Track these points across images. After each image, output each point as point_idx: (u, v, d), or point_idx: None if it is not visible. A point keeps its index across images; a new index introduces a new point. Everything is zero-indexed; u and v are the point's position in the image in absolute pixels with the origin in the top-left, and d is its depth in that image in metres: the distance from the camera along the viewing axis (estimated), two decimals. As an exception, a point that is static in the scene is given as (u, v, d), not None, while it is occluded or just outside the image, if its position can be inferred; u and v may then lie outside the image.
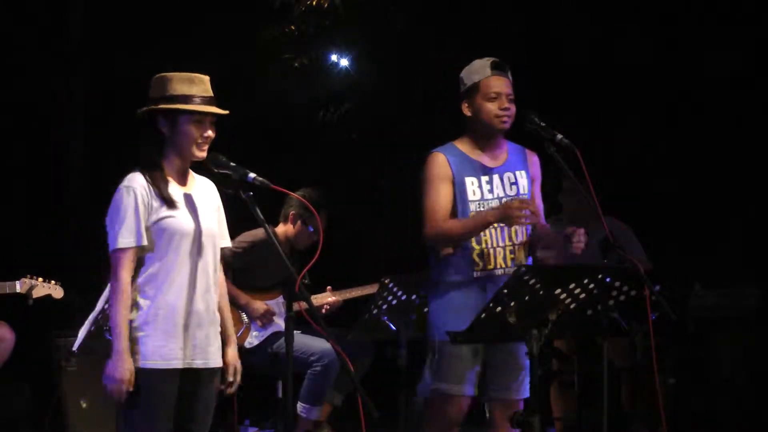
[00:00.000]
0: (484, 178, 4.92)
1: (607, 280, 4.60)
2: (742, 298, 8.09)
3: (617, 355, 7.16)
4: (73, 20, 9.71)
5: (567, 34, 9.02)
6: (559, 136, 4.75)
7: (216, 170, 4.31)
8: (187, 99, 4.27)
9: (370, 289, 6.85)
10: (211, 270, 4.36)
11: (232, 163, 4.28)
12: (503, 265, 4.88)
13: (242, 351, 6.83)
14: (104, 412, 6.64)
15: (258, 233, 6.87)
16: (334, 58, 9.84)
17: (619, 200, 7.08)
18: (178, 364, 4.24)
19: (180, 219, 4.27)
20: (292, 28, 9.52)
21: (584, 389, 7.08)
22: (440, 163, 4.92)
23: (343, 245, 7.55)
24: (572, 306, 4.47)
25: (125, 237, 4.19)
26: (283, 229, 7.13)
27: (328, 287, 7.02)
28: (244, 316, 6.94)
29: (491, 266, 4.87)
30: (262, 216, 4.22)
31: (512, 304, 4.32)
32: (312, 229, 7.06)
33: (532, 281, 4.32)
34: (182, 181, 4.37)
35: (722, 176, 8.82)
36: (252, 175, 4.23)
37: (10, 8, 9.07)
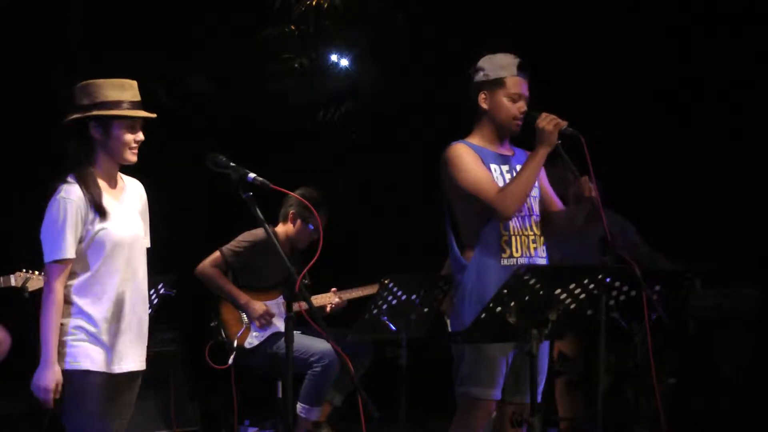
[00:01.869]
0: (504, 167, 4.93)
1: (607, 280, 4.60)
2: (742, 298, 8.08)
3: (617, 355, 7.15)
4: (73, 19, 9.71)
5: (568, 32, 9.01)
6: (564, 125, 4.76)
7: (216, 170, 4.31)
8: (118, 105, 4.34)
9: (371, 290, 6.85)
10: (141, 274, 4.45)
11: (232, 164, 4.29)
12: (528, 254, 4.89)
13: (243, 351, 6.84)
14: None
15: (258, 233, 6.87)
16: (334, 58, 9.83)
17: (619, 198, 7.07)
18: (104, 368, 4.31)
19: (113, 230, 4.34)
20: (293, 28, 9.52)
21: (589, 390, 7.08)
22: (467, 149, 4.91)
23: (344, 245, 7.54)
24: (572, 306, 4.47)
25: (61, 249, 4.27)
26: (283, 228, 7.13)
27: (333, 288, 7.01)
28: (244, 317, 6.94)
29: (518, 254, 4.87)
30: (262, 216, 4.22)
31: (512, 304, 4.31)
32: (312, 228, 7.05)
33: (532, 281, 4.32)
34: (113, 186, 4.44)
35: (723, 175, 8.82)
36: (252, 175, 4.24)
37: (9, 7, 9.06)
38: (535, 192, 4.97)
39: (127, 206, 4.45)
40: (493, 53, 4.98)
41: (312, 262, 4.41)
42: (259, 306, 6.84)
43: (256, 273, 6.95)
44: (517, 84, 4.90)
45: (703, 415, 7.90)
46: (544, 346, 4.95)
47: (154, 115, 4.42)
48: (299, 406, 6.83)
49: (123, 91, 4.37)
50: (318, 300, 7.11)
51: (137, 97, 4.41)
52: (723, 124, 8.77)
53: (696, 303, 7.92)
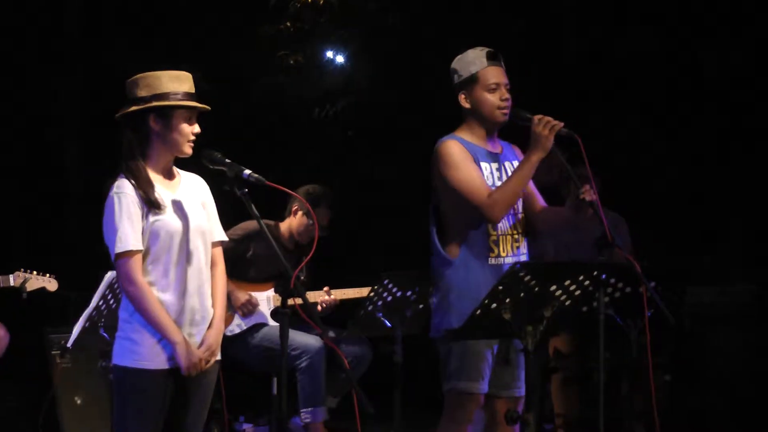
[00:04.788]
0: (494, 165, 4.91)
1: (603, 276, 4.60)
2: (737, 295, 8.09)
3: (613, 352, 7.16)
4: (68, 20, 9.71)
5: (567, 31, 9.02)
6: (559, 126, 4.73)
7: (211, 167, 4.32)
8: (177, 96, 4.32)
9: (367, 291, 6.84)
10: (204, 266, 4.39)
11: (228, 160, 4.30)
12: (511, 252, 4.88)
13: (224, 339, 6.83)
14: (99, 409, 6.64)
15: (253, 224, 6.87)
16: (329, 54, 9.84)
17: (616, 196, 7.08)
18: (172, 364, 4.26)
19: (168, 219, 4.30)
20: (288, 25, 9.52)
21: (584, 386, 7.09)
22: (459, 146, 4.87)
23: (340, 241, 7.54)
24: (567, 303, 4.47)
25: (122, 242, 4.22)
26: (287, 223, 7.12)
27: (325, 287, 7.01)
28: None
29: (505, 254, 4.87)
30: (257, 212, 4.22)
31: (507, 300, 4.31)
32: (312, 222, 7.05)
33: (527, 278, 4.31)
34: (168, 178, 4.40)
35: (719, 174, 8.83)
36: (247, 171, 4.24)
37: (6, 8, 9.06)
38: None
39: (185, 198, 4.39)
40: (462, 52, 4.98)
41: (307, 258, 4.41)
42: (242, 295, 6.83)
43: (250, 263, 6.94)
44: (490, 74, 4.88)
45: (698, 412, 7.91)
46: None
47: (209, 108, 4.40)
48: (302, 414, 6.79)
49: (180, 82, 4.35)
50: (309, 297, 7.08)
51: (193, 89, 4.39)
52: (722, 122, 8.79)
53: (691, 300, 7.93)
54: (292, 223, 7.08)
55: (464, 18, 9.16)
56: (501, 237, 4.85)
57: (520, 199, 4.93)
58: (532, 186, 5.00)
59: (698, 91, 8.80)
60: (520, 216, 4.93)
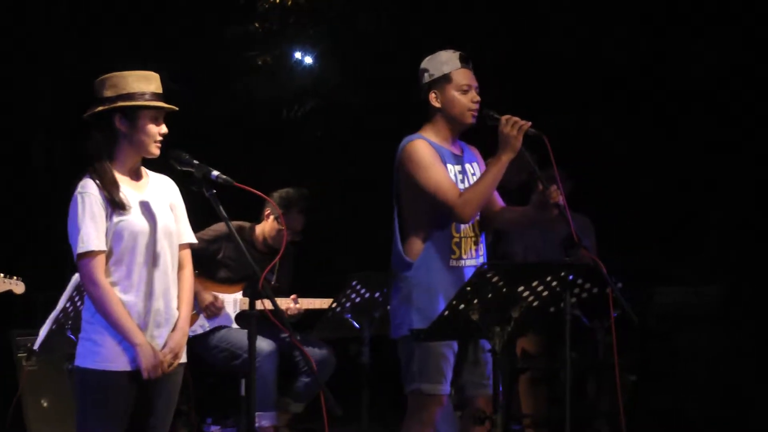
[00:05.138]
0: (457, 167, 4.93)
1: (570, 278, 4.62)
2: (704, 295, 8.14)
3: (580, 352, 7.19)
4: (36, 19, 9.66)
5: (541, 30, 9.03)
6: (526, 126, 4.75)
7: (179, 168, 4.30)
8: (144, 96, 4.31)
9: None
10: (170, 268, 4.38)
11: (195, 161, 4.28)
12: (472, 255, 4.90)
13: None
14: (64, 412, 6.61)
15: (223, 227, 6.86)
16: (298, 55, 9.83)
17: (584, 196, 7.11)
18: (135, 365, 4.24)
19: (133, 220, 4.28)
20: (256, 25, 9.51)
21: (552, 386, 7.11)
22: (428, 147, 4.87)
23: (307, 243, 7.52)
24: (535, 303, 4.49)
25: (85, 242, 4.20)
26: (261, 227, 7.11)
27: (293, 295, 6.99)
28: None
29: (466, 255, 4.88)
30: (225, 213, 4.21)
31: (475, 301, 4.32)
32: (286, 226, 7.04)
33: (495, 278, 4.33)
34: (135, 179, 4.39)
35: (687, 173, 8.87)
36: (215, 172, 4.23)
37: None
38: None
39: (152, 199, 4.37)
40: (432, 53, 5.00)
41: (274, 261, 4.40)
42: (208, 296, 6.82)
43: (220, 265, 6.93)
44: (463, 75, 4.91)
45: (664, 412, 7.95)
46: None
47: (177, 108, 4.39)
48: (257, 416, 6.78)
49: (148, 82, 4.33)
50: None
51: (160, 89, 4.37)
52: (693, 124, 8.83)
53: (658, 300, 7.97)
54: (265, 227, 7.08)
55: (432, 18, 9.18)
56: (463, 239, 4.87)
57: None
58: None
59: (669, 90, 8.84)
60: (477, 217, 4.94)
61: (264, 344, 6.69)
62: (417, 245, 4.87)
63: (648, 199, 8.92)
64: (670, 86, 8.82)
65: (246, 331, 6.51)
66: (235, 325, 6.87)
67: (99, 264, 4.21)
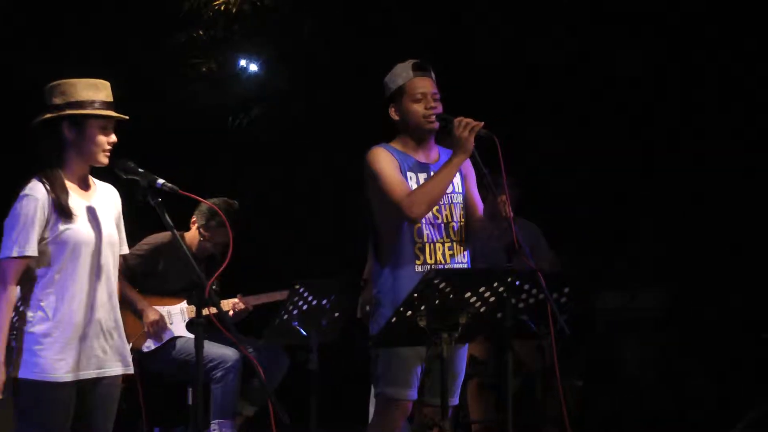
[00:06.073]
0: (422, 175, 4.93)
1: (517, 283, 4.64)
2: (648, 299, 8.21)
3: (528, 357, 7.22)
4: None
5: (478, 35, 9.06)
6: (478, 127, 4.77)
7: (124, 176, 4.28)
8: (92, 105, 4.28)
9: (280, 296, 6.82)
10: (113, 278, 4.37)
11: (141, 169, 4.26)
12: (443, 261, 4.90)
13: (140, 354, 6.78)
14: (3, 423, 6.53)
15: (160, 236, 6.84)
16: (242, 63, 9.80)
17: (528, 200, 7.14)
18: (74, 376, 4.23)
19: (80, 229, 4.26)
20: (201, 33, 9.46)
21: (500, 392, 7.13)
22: (386, 153, 4.92)
23: (252, 251, 7.51)
24: (482, 309, 4.50)
25: (19, 246, 4.18)
26: (189, 236, 7.09)
27: (239, 294, 6.98)
28: None
29: (432, 261, 4.88)
30: (171, 222, 4.20)
31: (422, 308, 4.33)
32: (205, 238, 7.01)
33: (442, 285, 4.34)
34: (83, 187, 4.37)
35: (629, 177, 8.94)
36: (161, 181, 4.21)
37: None
38: (457, 198, 5.00)
39: (99, 208, 4.35)
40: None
41: (221, 269, 4.39)
42: (152, 314, 6.79)
43: (160, 277, 6.90)
44: (416, 85, 4.94)
45: (610, 416, 8.01)
46: (463, 349, 4.99)
47: (127, 117, 4.36)
48: (212, 425, 6.76)
49: (97, 91, 4.30)
50: (222, 305, 7.06)
51: (110, 98, 4.34)
52: (629, 126, 8.90)
53: (603, 305, 8.03)
54: (191, 236, 7.06)
55: (379, 24, 9.19)
56: (428, 245, 4.88)
57: (458, 207, 4.97)
58: (474, 195, 5.05)
59: (609, 93, 8.91)
60: (455, 225, 4.96)
61: (229, 352, 6.69)
62: (386, 251, 4.92)
63: (589, 202, 8.97)
64: (607, 91, 8.89)
65: (207, 339, 6.54)
66: (189, 335, 6.84)
67: (17, 269, 4.19)
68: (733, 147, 8.56)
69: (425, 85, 4.95)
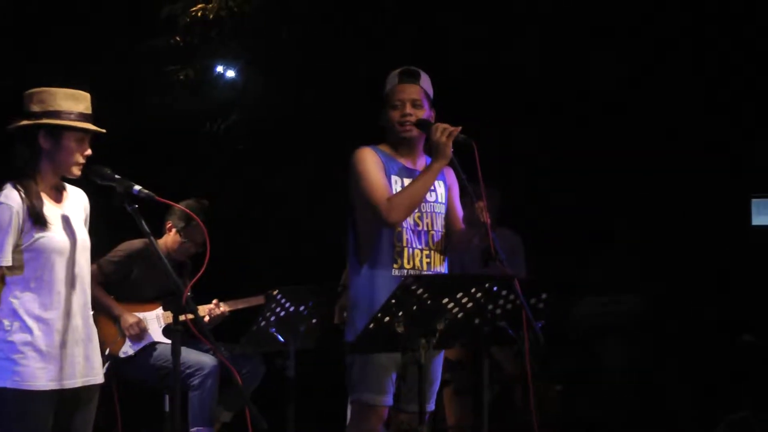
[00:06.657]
0: (407, 180, 4.94)
1: (494, 289, 4.64)
2: (625, 305, 8.23)
3: (507, 362, 7.23)
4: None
5: (456, 39, 9.07)
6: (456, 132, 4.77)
7: (100, 183, 4.27)
8: (70, 116, 4.26)
9: (257, 301, 6.81)
10: (87, 284, 4.36)
11: (117, 176, 4.25)
12: (420, 267, 4.90)
13: (117, 361, 6.76)
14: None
15: (135, 243, 6.81)
16: (220, 69, 9.79)
17: (504, 207, 7.15)
18: (55, 385, 4.21)
19: (54, 237, 4.25)
20: (178, 39, 9.45)
21: (477, 397, 7.14)
22: (372, 155, 4.93)
23: (229, 257, 7.49)
24: (460, 315, 4.50)
25: (1, 254, 4.16)
26: (163, 241, 7.07)
27: (215, 300, 6.97)
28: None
29: (410, 266, 4.89)
30: (147, 228, 4.19)
31: (400, 314, 4.32)
32: (184, 240, 6.99)
33: (420, 291, 4.33)
34: (57, 195, 4.36)
35: (607, 183, 8.96)
36: (137, 187, 4.20)
37: None
38: (440, 208, 5.01)
39: (70, 215, 4.33)
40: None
41: (198, 275, 4.38)
42: (130, 318, 6.77)
43: (135, 284, 6.87)
44: (396, 92, 4.96)
45: (588, 421, 8.02)
46: (439, 355, 5.00)
47: (104, 131, 4.33)
48: (192, 431, 6.74)
49: (76, 102, 4.28)
50: (198, 310, 7.03)
51: (89, 110, 4.32)
52: (606, 132, 8.91)
53: (580, 311, 8.04)
54: (168, 240, 7.04)
55: (357, 30, 9.19)
56: (406, 249, 4.89)
57: (440, 217, 4.98)
58: (456, 207, 5.06)
59: (584, 98, 8.93)
60: (436, 234, 4.96)
61: (206, 358, 6.68)
62: (366, 252, 4.91)
63: (565, 208, 8.98)
64: (583, 95, 8.92)
65: (186, 346, 6.53)
66: (166, 341, 6.82)
67: None
68: (709, 151, 8.60)
69: (407, 91, 4.97)
